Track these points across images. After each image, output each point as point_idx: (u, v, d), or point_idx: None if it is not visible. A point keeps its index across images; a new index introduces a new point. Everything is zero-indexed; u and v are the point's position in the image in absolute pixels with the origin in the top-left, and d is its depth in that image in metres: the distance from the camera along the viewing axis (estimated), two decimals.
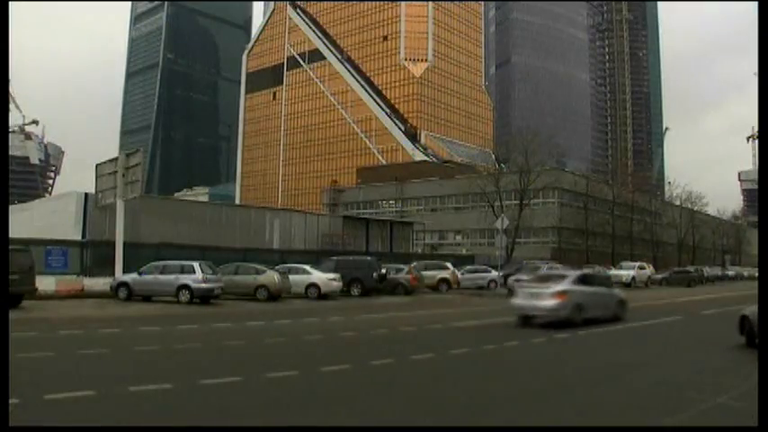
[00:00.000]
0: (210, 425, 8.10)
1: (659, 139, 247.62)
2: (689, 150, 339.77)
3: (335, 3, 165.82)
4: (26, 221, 38.05)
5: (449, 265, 46.07)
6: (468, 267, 49.43)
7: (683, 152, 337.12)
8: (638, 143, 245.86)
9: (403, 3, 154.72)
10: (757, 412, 7.58)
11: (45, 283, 27.09)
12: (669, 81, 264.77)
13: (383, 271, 37.55)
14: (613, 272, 53.73)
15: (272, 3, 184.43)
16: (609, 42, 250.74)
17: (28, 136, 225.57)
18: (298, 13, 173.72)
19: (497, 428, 8.13)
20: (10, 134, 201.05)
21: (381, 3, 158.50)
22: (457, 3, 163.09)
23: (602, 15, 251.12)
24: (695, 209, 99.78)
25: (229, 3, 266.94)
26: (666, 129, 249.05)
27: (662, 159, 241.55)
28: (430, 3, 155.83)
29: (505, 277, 42.74)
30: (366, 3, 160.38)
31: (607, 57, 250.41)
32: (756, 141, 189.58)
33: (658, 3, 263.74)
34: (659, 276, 60.26)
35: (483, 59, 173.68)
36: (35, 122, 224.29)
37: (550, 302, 19.87)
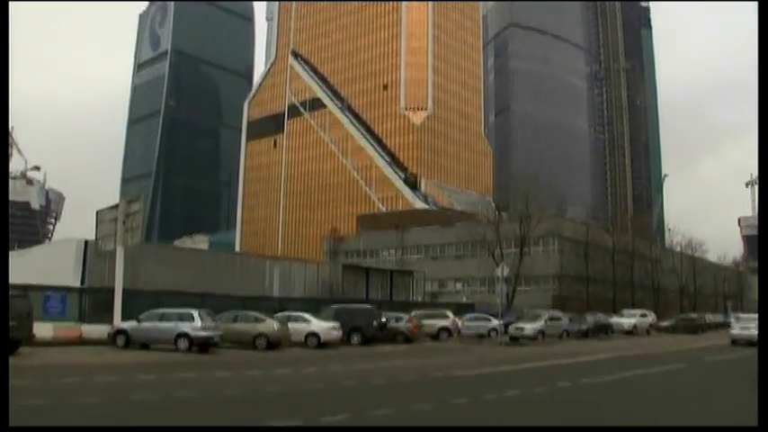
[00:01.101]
0: None
1: (658, 185, 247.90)
2: (688, 196, 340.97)
3: (336, 53, 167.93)
4: (25, 267, 37.85)
5: (449, 313, 45.87)
6: (469, 315, 49.17)
7: (683, 198, 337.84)
8: (638, 189, 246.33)
9: (403, 52, 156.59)
10: (757, 412, 7.50)
11: (43, 330, 26.86)
12: (667, 127, 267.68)
13: (383, 319, 37.33)
14: (615, 319, 53.33)
15: (274, 52, 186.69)
16: (607, 90, 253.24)
17: (29, 181, 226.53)
18: (299, 62, 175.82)
19: (497, 428, 7.96)
20: (12, 180, 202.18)
21: (383, 50, 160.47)
22: (456, 52, 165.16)
23: (599, 64, 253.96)
24: (696, 255, 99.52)
25: (232, 51, 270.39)
26: (665, 175, 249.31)
27: (661, 206, 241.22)
28: (430, 53, 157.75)
29: (506, 325, 42.49)
30: (367, 52, 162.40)
31: (605, 104, 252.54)
32: (756, 186, 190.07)
33: (655, 51, 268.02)
34: (665, 324, 59.89)
35: (482, 107, 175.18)
36: (37, 168, 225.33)
37: None
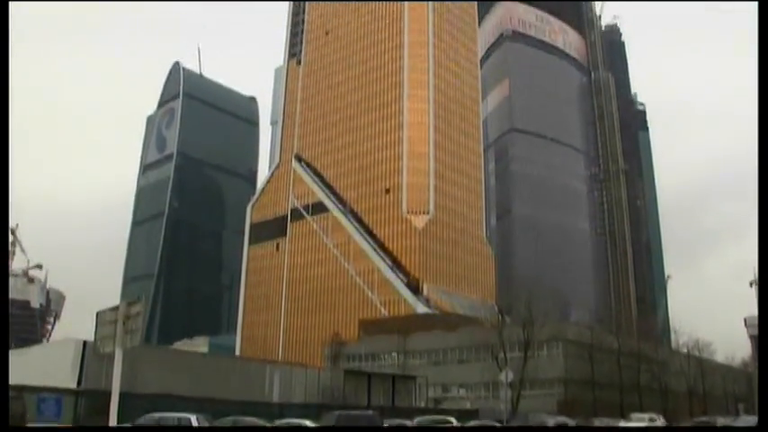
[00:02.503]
0: None
1: (662, 286, 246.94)
2: (692, 296, 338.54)
3: (339, 157, 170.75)
4: (23, 367, 37.44)
5: (452, 420, 44.97)
6: (473, 423, 48.13)
7: (687, 298, 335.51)
8: (641, 291, 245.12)
9: (405, 156, 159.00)
10: (757, 412, 7.20)
11: None
12: (668, 228, 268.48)
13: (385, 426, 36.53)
14: (623, 424, 52.14)
15: (278, 156, 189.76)
16: (607, 192, 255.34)
17: (30, 280, 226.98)
18: (302, 166, 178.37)
19: (497, 428, 7.53)
20: (13, 277, 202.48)
21: (385, 155, 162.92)
22: (457, 157, 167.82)
23: (599, 166, 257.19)
24: (703, 356, 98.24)
25: (236, 155, 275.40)
26: (668, 276, 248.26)
27: (666, 306, 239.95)
28: (432, 157, 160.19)
29: None
30: (369, 157, 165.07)
31: (606, 206, 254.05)
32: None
33: (653, 152, 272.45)
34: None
35: (484, 211, 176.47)
36: (39, 267, 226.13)
37: None
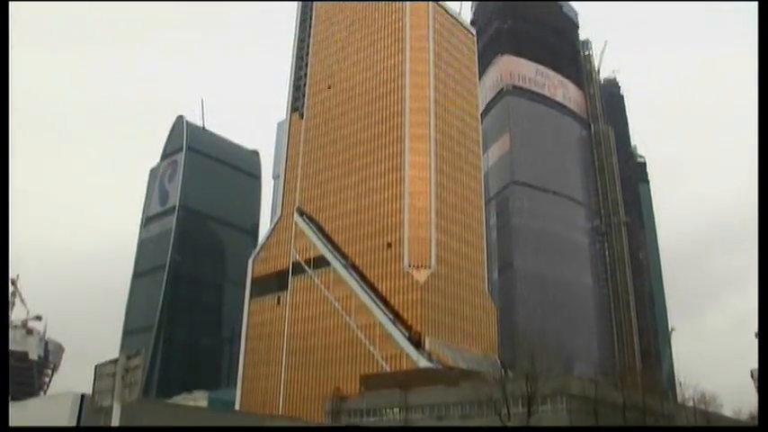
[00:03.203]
0: None
1: (666, 338, 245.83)
2: (697, 348, 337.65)
3: (341, 211, 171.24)
4: (20, 421, 37.06)
5: None
6: None
7: (692, 350, 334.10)
8: (645, 343, 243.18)
9: (406, 211, 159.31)
10: (757, 412, 6.97)
11: None
12: (670, 279, 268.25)
13: None
14: None
15: (279, 209, 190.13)
16: (609, 245, 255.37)
17: (29, 331, 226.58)
18: (304, 220, 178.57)
19: (498, 428, 7.27)
20: (12, 329, 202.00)
21: (386, 209, 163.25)
22: (458, 210, 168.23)
23: (600, 219, 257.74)
24: (710, 410, 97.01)
25: (238, 208, 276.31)
26: (672, 329, 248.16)
27: (670, 359, 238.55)
28: (433, 211, 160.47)
29: None
30: (371, 211, 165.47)
31: (608, 259, 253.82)
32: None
33: (653, 204, 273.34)
34: None
35: (485, 264, 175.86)
36: (38, 318, 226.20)
37: None
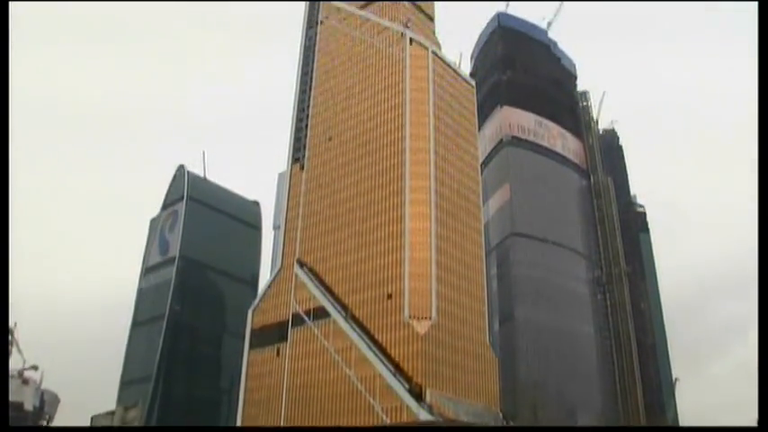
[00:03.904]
0: None
1: (669, 389, 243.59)
2: (701, 398, 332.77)
3: (341, 262, 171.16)
4: None
5: None
6: None
7: (696, 400, 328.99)
8: (649, 395, 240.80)
9: (407, 262, 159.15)
10: (757, 412, 6.73)
11: None
12: (673, 329, 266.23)
13: None
14: None
15: (280, 260, 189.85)
16: (610, 295, 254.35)
17: (25, 381, 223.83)
18: (304, 271, 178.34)
19: (500, 429, 6.96)
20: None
21: (387, 260, 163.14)
22: (459, 261, 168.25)
23: (601, 269, 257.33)
24: None
25: (238, 259, 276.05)
26: (676, 379, 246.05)
27: (675, 410, 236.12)
28: (434, 262, 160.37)
29: None
30: (371, 262, 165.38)
31: (609, 309, 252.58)
32: None
33: (654, 253, 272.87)
34: None
35: (486, 315, 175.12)
36: (35, 368, 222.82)
37: None
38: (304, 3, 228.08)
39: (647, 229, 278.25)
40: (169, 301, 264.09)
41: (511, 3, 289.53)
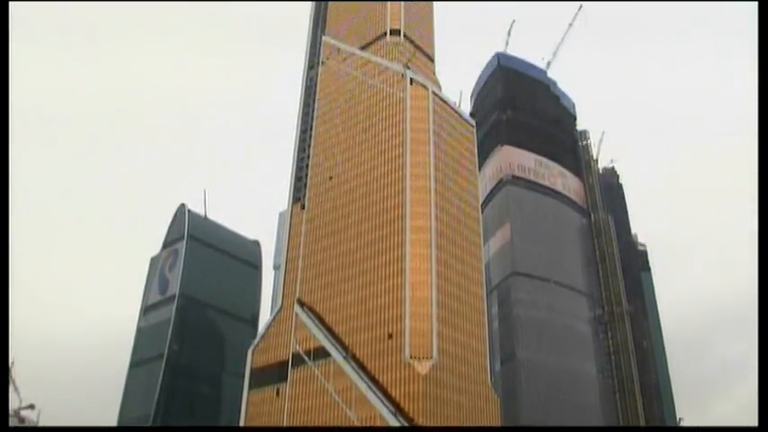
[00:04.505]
0: None
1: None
2: None
3: (342, 302, 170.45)
4: None
5: None
6: None
7: None
8: None
9: (408, 302, 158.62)
10: (757, 412, 6.55)
11: None
12: (676, 368, 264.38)
13: None
14: None
15: (280, 300, 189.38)
16: (612, 334, 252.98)
17: (22, 420, 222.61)
18: (304, 311, 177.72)
19: (498, 428, 6.77)
20: None
21: (387, 300, 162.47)
22: (460, 301, 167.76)
23: (602, 308, 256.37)
24: None
25: (238, 298, 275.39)
26: (680, 419, 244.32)
27: None
28: (435, 302, 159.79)
29: None
30: (372, 302, 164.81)
31: (611, 348, 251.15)
32: None
33: (656, 292, 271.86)
34: None
35: (487, 355, 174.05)
36: (31, 407, 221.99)
37: None
38: (306, 42, 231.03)
39: (648, 268, 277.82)
40: (168, 340, 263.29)
41: (510, 43, 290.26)
